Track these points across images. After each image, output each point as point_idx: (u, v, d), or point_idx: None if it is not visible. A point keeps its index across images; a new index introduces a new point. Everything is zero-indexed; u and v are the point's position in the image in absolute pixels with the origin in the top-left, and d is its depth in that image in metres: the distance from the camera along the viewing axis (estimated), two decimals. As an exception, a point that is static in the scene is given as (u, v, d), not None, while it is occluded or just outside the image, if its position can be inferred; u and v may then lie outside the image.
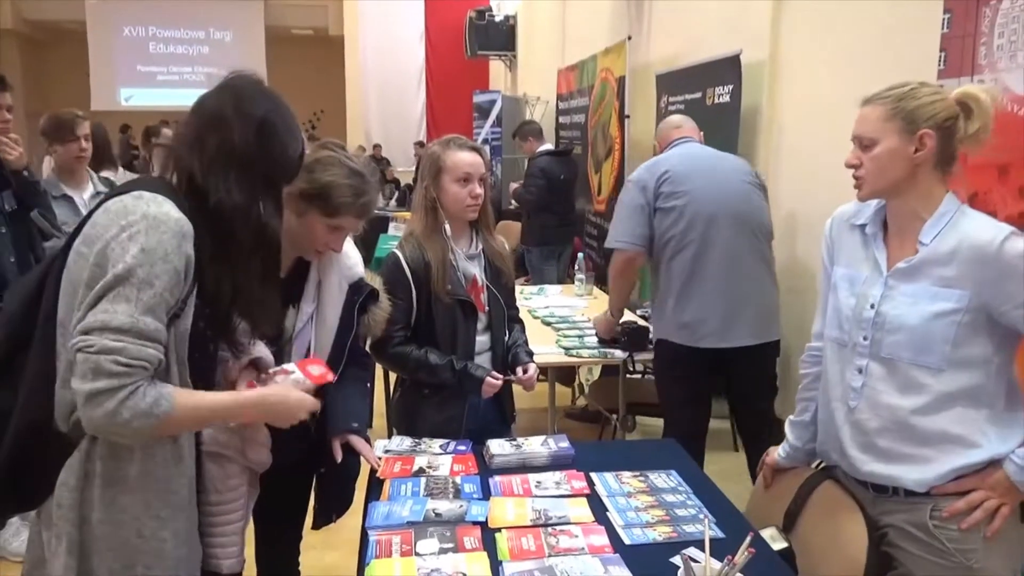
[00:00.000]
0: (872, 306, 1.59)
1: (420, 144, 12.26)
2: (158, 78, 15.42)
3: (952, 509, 1.51)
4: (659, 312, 2.87)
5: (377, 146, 12.69)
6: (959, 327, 1.49)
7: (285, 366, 1.63)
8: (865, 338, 1.60)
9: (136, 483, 1.34)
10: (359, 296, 1.87)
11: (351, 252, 1.88)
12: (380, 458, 1.94)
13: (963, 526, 1.51)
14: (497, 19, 10.67)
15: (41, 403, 1.31)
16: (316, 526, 1.94)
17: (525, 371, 2.29)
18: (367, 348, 2.06)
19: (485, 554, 1.51)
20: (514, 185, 6.10)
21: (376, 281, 1.96)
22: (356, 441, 1.86)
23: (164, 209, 1.29)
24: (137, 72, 15.30)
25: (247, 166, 1.36)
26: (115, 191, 1.36)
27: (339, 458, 1.82)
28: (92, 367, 1.21)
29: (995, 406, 1.52)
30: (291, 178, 1.47)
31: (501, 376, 2.23)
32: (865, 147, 1.56)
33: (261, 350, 1.61)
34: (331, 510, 1.93)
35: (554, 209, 5.76)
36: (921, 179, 1.53)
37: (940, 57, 2.40)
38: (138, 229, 1.26)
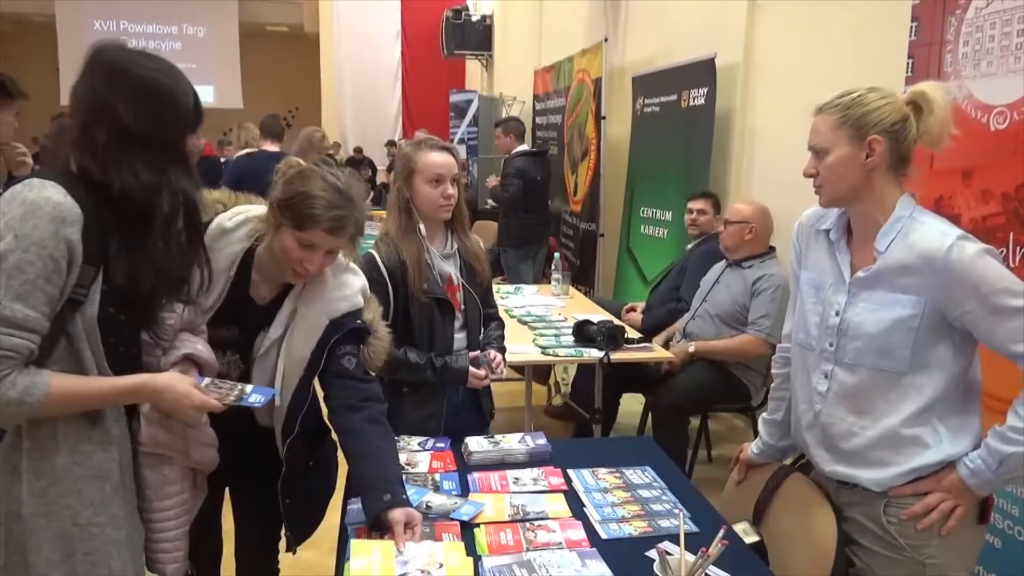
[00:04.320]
0: (837, 313, 1.61)
1: (391, 143, 12.21)
2: (129, 73, 15.19)
3: (909, 512, 1.55)
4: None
5: (358, 149, 12.58)
6: (917, 333, 1.51)
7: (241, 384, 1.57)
8: (831, 344, 1.62)
9: (65, 473, 1.32)
10: (336, 334, 1.70)
11: (349, 281, 1.76)
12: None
13: (920, 527, 1.54)
14: (473, 19, 10.69)
15: None
16: (291, 548, 1.88)
17: (492, 359, 2.28)
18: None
19: (462, 544, 1.53)
20: (491, 181, 6.10)
21: (374, 309, 1.83)
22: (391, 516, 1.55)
23: (45, 194, 1.24)
24: (108, 67, 15.05)
25: (145, 143, 1.30)
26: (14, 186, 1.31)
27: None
28: None
29: (950, 408, 1.55)
30: (194, 127, 1.39)
31: (484, 372, 2.25)
32: (819, 156, 1.58)
33: (198, 347, 1.57)
34: (302, 534, 1.87)
35: (530, 209, 5.78)
36: (876, 183, 1.56)
37: (908, 64, 2.47)
38: (14, 215, 1.22)
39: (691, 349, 3.34)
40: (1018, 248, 2.06)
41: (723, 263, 3.51)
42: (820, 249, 1.69)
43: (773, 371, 1.88)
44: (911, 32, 2.47)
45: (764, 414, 1.91)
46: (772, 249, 3.39)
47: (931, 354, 1.52)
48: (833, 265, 1.65)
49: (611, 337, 3.13)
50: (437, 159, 2.20)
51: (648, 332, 3.58)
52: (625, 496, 1.80)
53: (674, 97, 4.78)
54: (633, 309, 4.06)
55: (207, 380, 1.54)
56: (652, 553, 1.51)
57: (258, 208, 1.73)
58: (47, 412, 1.29)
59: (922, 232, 1.51)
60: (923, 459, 1.54)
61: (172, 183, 1.33)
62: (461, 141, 9.57)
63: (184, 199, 1.37)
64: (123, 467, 1.41)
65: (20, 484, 1.31)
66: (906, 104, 1.54)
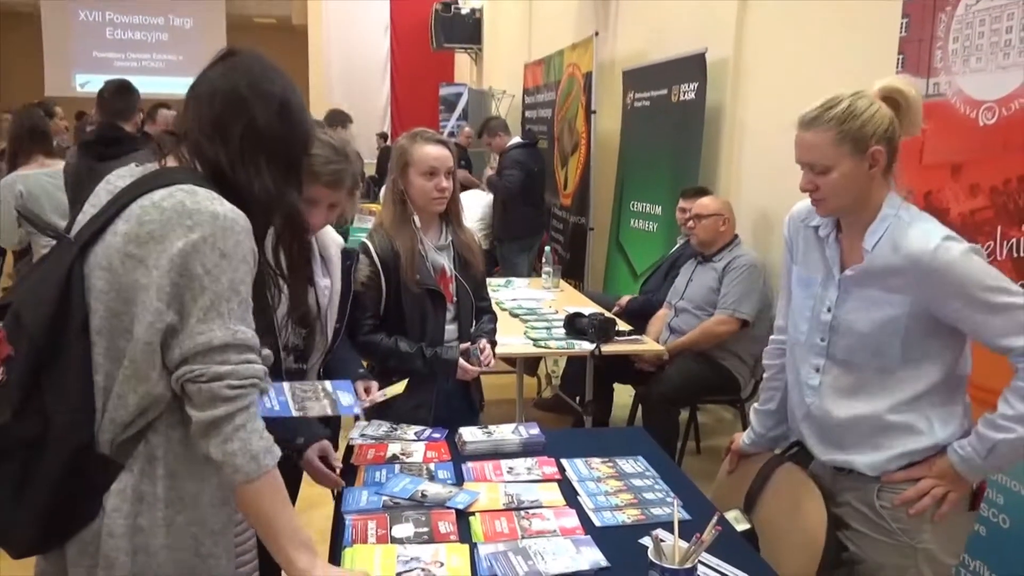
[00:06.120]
0: (829, 309, 1.63)
1: (383, 136, 12.19)
2: (115, 64, 15.04)
3: (902, 497, 1.58)
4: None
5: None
6: (907, 331, 1.54)
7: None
8: (822, 339, 1.65)
9: (193, 500, 1.24)
10: (351, 260, 1.95)
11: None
12: (355, 445, 1.98)
13: (912, 512, 1.57)
14: (463, 12, 10.69)
15: (82, 425, 1.17)
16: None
17: (482, 350, 2.30)
18: None
19: (466, 547, 1.52)
20: (488, 172, 6.10)
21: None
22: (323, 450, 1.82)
23: (227, 207, 1.19)
24: (93, 58, 14.93)
25: (275, 150, 1.27)
26: (149, 183, 1.21)
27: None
28: (208, 397, 1.16)
29: (940, 397, 1.58)
30: (308, 151, 1.39)
31: (473, 366, 2.26)
32: (817, 172, 1.57)
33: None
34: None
35: (530, 201, 5.75)
36: (874, 187, 1.58)
37: (898, 60, 2.49)
38: (210, 232, 1.16)
39: (662, 348, 3.38)
40: (1005, 242, 2.09)
41: (693, 262, 3.58)
42: (810, 245, 1.72)
43: (765, 362, 1.90)
44: (901, 28, 2.49)
45: (756, 404, 1.93)
46: (736, 236, 3.57)
47: (922, 350, 1.56)
48: (823, 261, 1.67)
49: (602, 330, 3.15)
50: (431, 152, 2.22)
51: (630, 314, 3.66)
52: (618, 485, 1.82)
53: (664, 92, 4.80)
54: None
55: (287, 386, 1.61)
56: (645, 540, 1.53)
57: None
58: (252, 488, 1.19)
59: (909, 234, 1.53)
60: (915, 443, 1.58)
61: (289, 199, 1.31)
62: (451, 134, 9.56)
63: (300, 219, 1.36)
64: (234, 494, 1.30)
65: (151, 514, 1.20)
66: (883, 103, 1.55)
